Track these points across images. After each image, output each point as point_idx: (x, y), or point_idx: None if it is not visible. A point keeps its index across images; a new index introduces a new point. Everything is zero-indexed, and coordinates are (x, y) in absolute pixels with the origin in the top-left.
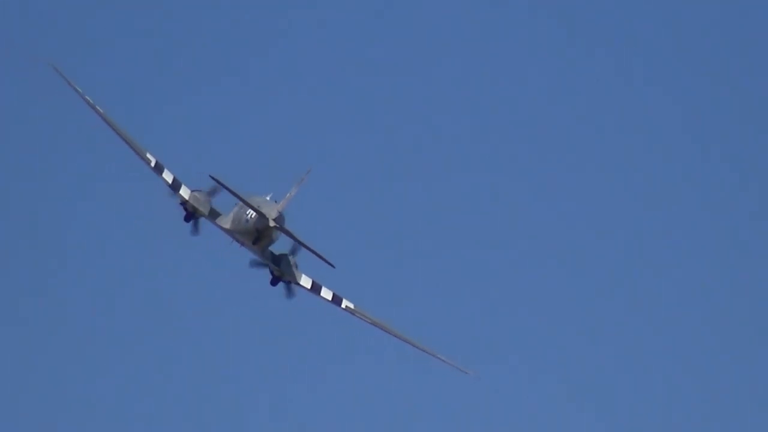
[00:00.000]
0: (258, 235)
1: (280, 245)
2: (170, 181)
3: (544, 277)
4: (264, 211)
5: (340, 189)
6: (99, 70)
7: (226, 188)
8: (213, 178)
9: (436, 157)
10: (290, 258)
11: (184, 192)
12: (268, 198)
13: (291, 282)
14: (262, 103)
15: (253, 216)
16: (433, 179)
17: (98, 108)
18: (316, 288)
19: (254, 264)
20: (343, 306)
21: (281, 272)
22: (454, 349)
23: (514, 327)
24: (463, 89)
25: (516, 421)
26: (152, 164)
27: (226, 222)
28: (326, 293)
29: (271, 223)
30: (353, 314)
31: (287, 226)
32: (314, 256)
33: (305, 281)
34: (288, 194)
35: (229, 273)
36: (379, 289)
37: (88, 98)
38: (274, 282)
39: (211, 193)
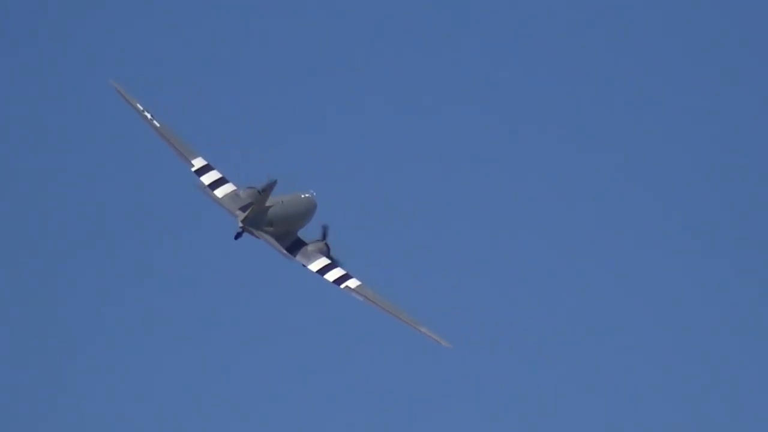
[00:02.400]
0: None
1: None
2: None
3: (542, 259)
4: (235, 212)
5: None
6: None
7: (208, 195)
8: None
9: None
10: (309, 245)
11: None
12: (303, 195)
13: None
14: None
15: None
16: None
17: (155, 123)
18: (324, 270)
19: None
20: (342, 286)
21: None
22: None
23: (506, 304)
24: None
25: (495, 397)
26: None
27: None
28: (332, 275)
29: (239, 225)
30: (352, 293)
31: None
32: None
33: (316, 265)
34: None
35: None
36: (387, 266)
37: (147, 114)
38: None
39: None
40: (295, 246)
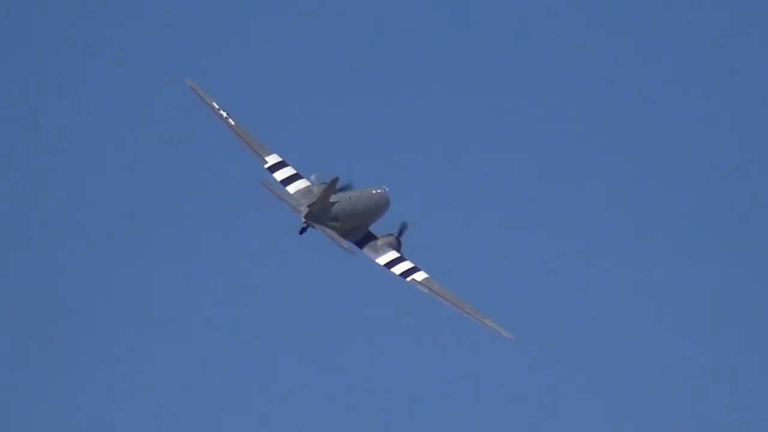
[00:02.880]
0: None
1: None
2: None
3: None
4: (299, 207)
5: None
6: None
7: (272, 191)
8: (265, 185)
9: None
10: (379, 240)
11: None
12: (375, 191)
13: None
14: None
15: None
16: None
17: (230, 121)
18: (392, 263)
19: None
20: (408, 279)
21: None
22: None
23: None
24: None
25: (555, 390)
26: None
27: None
28: (399, 268)
29: (302, 220)
30: (418, 286)
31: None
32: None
33: (384, 258)
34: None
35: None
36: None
37: (222, 112)
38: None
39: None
40: (364, 240)
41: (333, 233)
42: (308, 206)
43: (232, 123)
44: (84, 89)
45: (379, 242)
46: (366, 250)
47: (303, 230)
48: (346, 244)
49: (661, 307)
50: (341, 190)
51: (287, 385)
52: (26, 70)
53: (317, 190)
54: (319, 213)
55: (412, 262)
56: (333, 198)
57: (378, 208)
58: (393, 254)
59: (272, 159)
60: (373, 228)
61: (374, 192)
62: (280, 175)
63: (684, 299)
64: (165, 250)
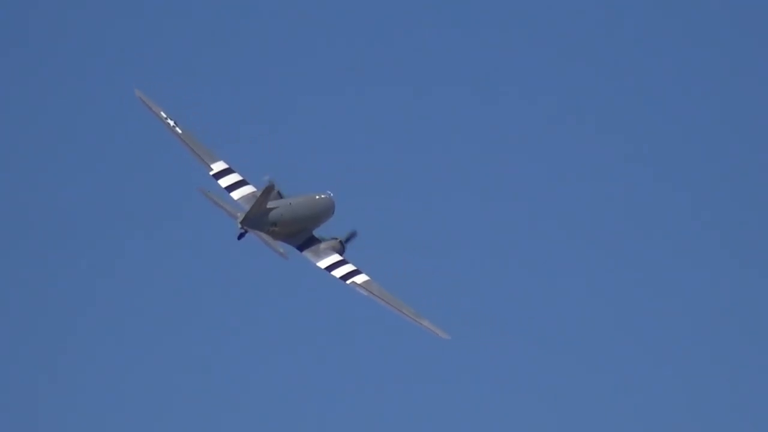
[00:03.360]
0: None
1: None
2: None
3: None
4: (236, 213)
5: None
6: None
7: (209, 198)
8: (202, 191)
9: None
10: (322, 243)
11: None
12: (319, 196)
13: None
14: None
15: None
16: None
17: (177, 129)
18: (333, 266)
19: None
20: (348, 281)
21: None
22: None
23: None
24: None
25: (493, 389)
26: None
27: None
28: (340, 271)
29: (237, 225)
30: (357, 288)
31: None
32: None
33: (325, 262)
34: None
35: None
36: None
37: (170, 121)
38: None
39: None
40: (307, 243)
41: (268, 238)
42: (244, 212)
43: (179, 131)
44: (29, 98)
45: (322, 246)
46: (307, 254)
47: (241, 236)
48: (281, 248)
49: (599, 294)
50: (285, 195)
51: (220, 390)
52: None
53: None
54: (255, 219)
55: (354, 265)
56: (273, 204)
57: (322, 212)
58: (335, 257)
59: (218, 166)
60: (320, 232)
61: (317, 197)
62: (225, 181)
63: (663, 302)
64: (106, 255)
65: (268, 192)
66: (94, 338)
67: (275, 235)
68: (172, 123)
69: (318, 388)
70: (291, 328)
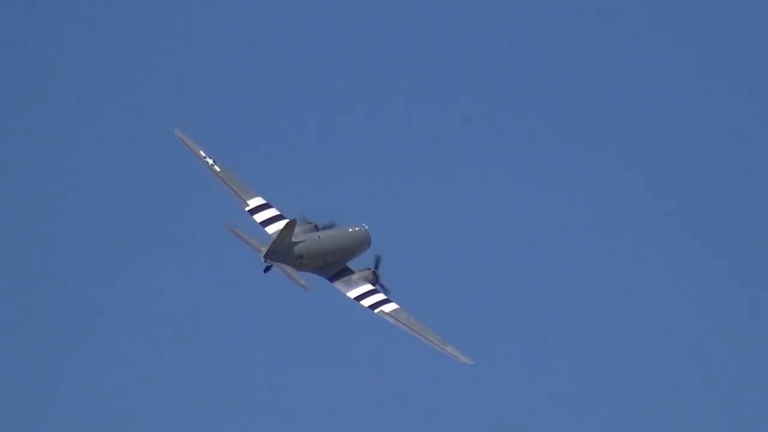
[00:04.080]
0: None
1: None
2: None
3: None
4: (260, 248)
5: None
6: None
7: (235, 233)
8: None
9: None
10: (355, 274)
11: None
12: (352, 229)
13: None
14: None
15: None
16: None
17: (216, 167)
18: (362, 296)
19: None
20: (376, 310)
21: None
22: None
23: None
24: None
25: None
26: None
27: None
28: (369, 300)
29: (262, 259)
30: (385, 317)
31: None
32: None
33: (355, 292)
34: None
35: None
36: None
37: (209, 159)
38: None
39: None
40: (339, 275)
41: (291, 270)
42: (267, 247)
43: (218, 169)
44: (73, 138)
45: (354, 276)
46: (338, 284)
47: (267, 269)
48: (302, 281)
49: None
50: (324, 228)
51: (247, 416)
52: (17, 123)
53: (299, 230)
54: (279, 252)
55: (385, 294)
56: (302, 237)
57: (355, 245)
58: (366, 287)
59: (255, 201)
60: (355, 263)
61: (350, 230)
62: (261, 216)
63: (676, 319)
64: (138, 288)
65: (289, 227)
66: (122, 370)
67: (303, 268)
68: (210, 161)
69: (335, 414)
70: (315, 356)
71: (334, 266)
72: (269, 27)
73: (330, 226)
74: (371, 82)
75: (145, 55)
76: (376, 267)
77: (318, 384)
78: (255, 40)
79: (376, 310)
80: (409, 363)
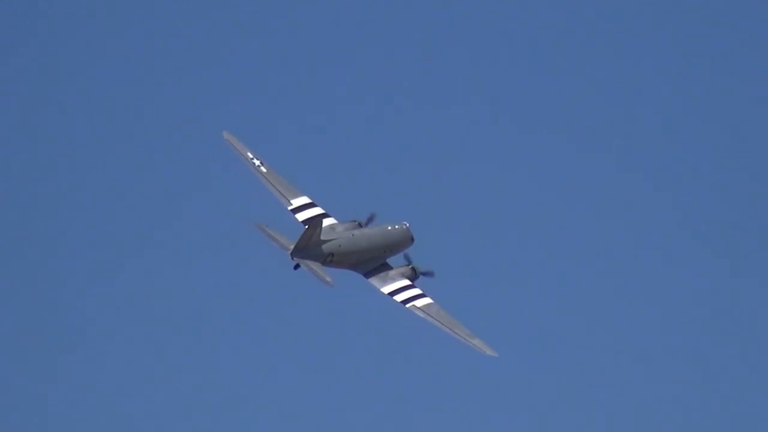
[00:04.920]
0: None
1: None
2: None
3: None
4: (288, 246)
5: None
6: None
7: (264, 232)
8: (258, 226)
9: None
10: (392, 270)
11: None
12: (392, 227)
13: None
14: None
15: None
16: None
17: (262, 168)
18: (396, 291)
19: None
20: (408, 305)
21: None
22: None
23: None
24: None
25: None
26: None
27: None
28: (403, 296)
29: (288, 257)
30: (416, 311)
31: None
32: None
33: (389, 287)
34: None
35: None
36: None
37: (255, 161)
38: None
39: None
40: (376, 271)
41: (317, 267)
42: (294, 245)
43: (264, 170)
44: (121, 143)
45: (392, 272)
46: (373, 280)
47: (297, 266)
48: (328, 278)
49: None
50: (366, 224)
51: (273, 408)
52: (61, 126)
53: (341, 228)
54: (306, 250)
55: (421, 289)
56: (333, 235)
57: (394, 242)
58: (403, 282)
59: (298, 201)
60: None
61: (389, 228)
62: (303, 215)
63: (688, 323)
64: (178, 287)
65: (314, 226)
66: (148, 366)
67: (336, 265)
68: (257, 163)
69: (362, 405)
70: (345, 349)
71: (370, 263)
72: (321, 30)
73: (372, 224)
74: (426, 83)
75: (194, 59)
76: (410, 262)
77: (333, 378)
78: (302, 40)
79: (408, 305)
80: (433, 356)
